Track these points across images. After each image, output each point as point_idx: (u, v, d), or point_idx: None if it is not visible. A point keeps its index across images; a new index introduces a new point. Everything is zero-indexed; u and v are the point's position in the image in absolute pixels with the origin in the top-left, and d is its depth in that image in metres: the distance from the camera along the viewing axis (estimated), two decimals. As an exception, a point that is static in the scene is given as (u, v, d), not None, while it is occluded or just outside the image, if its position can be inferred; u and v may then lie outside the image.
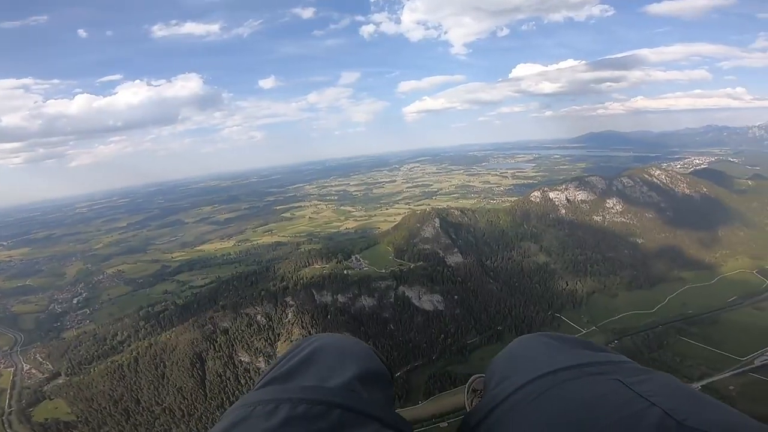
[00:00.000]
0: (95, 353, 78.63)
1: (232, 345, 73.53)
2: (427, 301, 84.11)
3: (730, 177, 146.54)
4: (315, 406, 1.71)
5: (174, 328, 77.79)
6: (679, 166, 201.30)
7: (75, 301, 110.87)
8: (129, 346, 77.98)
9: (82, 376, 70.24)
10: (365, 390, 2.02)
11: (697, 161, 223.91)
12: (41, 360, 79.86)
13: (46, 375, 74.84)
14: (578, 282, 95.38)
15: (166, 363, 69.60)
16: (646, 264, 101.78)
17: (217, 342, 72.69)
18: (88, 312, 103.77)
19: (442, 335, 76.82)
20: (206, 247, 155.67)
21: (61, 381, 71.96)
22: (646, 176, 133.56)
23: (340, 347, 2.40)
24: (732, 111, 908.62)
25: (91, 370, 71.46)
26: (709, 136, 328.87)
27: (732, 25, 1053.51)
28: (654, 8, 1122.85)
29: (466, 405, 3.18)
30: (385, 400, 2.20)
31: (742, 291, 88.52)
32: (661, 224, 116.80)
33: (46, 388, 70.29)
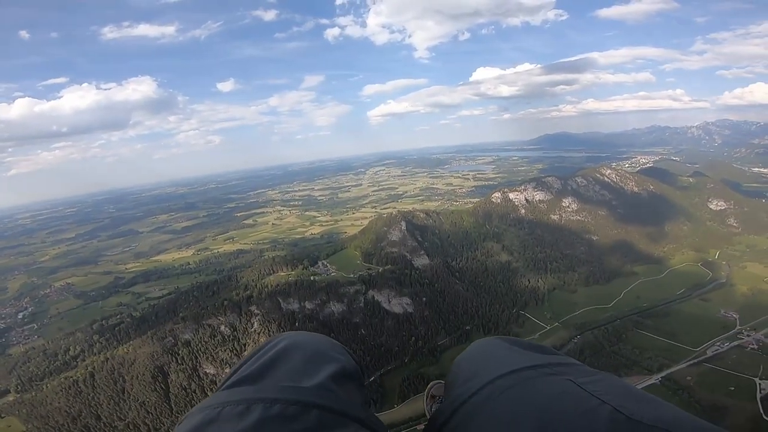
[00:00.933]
0: (46, 369, 74.04)
1: (196, 357, 70.91)
2: (397, 304, 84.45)
3: (673, 175, 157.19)
4: (290, 406, 1.63)
5: (131, 342, 74.05)
6: (627, 165, 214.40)
7: (20, 316, 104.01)
8: (83, 361, 73.71)
9: (34, 393, 65.86)
10: (341, 389, 1.98)
11: (644, 160, 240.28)
12: (-14, 377, 74.12)
13: (-7, 392, 69.89)
14: (539, 279, 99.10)
15: (126, 377, 66.28)
16: (601, 260, 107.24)
17: (179, 354, 69.90)
18: (36, 327, 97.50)
19: (413, 338, 77.36)
20: (163, 257, 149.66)
21: (11, 398, 67.48)
22: (598, 176, 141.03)
23: (311, 345, 2.36)
24: (673, 112, 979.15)
25: (44, 386, 66.97)
26: (653, 136, 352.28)
27: (673, 29, 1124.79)
28: (604, 12, 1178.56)
29: (426, 411, 3.30)
30: (361, 398, 2.21)
31: (689, 283, 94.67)
32: (614, 221, 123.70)
33: (-5, 405, 65.42)
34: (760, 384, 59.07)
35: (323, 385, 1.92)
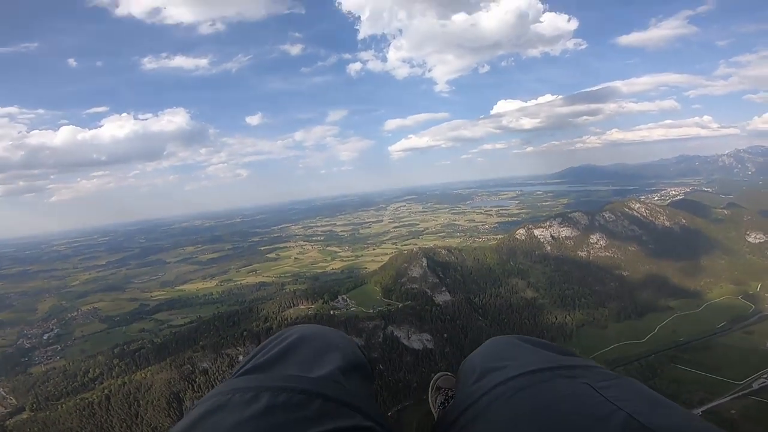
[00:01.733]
0: (64, 389, 74.40)
1: (212, 385, 70.08)
2: (416, 340, 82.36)
3: (706, 207, 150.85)
4: (296, 395, 1.67)
5: (150, 367, 74.32)
6: (656, 198, 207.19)
7: (45, 337, 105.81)
8: (101, 383, 73.94)
9: (48, 412, 65.86)
10: (347, 381, 1.99)
11: (674, 192, 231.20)
12: (5, 394, 75.62)
13: (8, 410, 71.10)
14: (567, 315, 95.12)
15: (141, 402, 66.09)
16: (632, 295, 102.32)
17: (195, 382, 69.70)
18: (59, 348, 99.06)
19: (433, 374, 74.45)
20: (187, 286, 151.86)
21: (25, 416, 67.76)
22: (627, 210, 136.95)
23: (322, 338, 2.36)
24: (701, 140, 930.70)
25: (59, 406, 66.92)
26: (682, 166, 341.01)
27: (694, 54, 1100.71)
28: (623, 39, 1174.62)
29: (431, 403, 3.20)
30: (367, 392, 2.17)
31: (730, 316, 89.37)
32: (645, 256, 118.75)
33: (8, 422, 65.99)
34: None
35: (330, 376, 1.95)
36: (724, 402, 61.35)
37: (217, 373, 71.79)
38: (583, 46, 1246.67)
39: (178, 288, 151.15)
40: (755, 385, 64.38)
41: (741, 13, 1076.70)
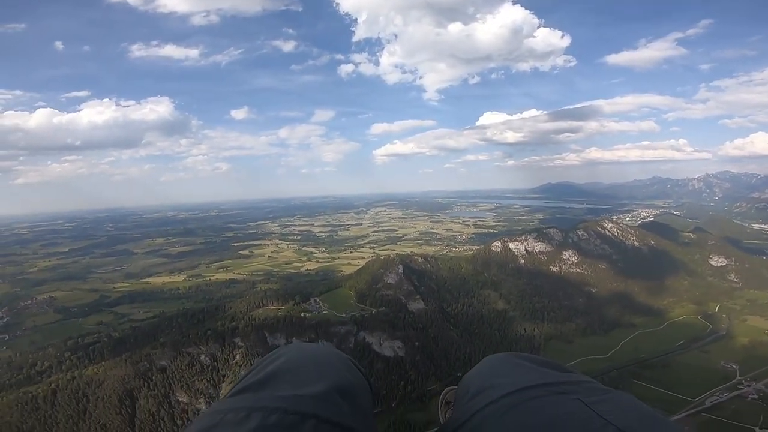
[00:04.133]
0: (7, 382, 70.00)
1: (170, 384, 68.05)
2: (388, 347, 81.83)
3: (674, 230, 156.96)
4: (288, 416, 1.62)
5: (103, 363, 71.08)
6: (628, 218, 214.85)
7: None
8: (49, 377, 70.06)
9: None
10: (344, 401, 1.92)
11: (644, 214, 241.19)
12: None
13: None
14: (536, 328, 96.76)
15: (90, 398, 63.16)
16: (599, 311, 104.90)
17: (152, 380, 67.12)
18: (7, 338, 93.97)
19: (402, 382, 74.25)
20: (153, 280, 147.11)
21: None
22: (600, 229, 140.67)
23: (316, 357, 2.29)
24: (675, 163, 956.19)
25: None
26: (654, 189, 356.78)
27: (678, 77, 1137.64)
28: (612, 58, 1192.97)
29: (440, 416, 3.15)
30: (363, 412, 2.09)
31: (689, 335, 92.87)
32: (613, 274, 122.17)
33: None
34: (759, 433, 57.21)
35: (324, 395, 1.88)
36: (678, 418, 62.89)
37: (175, 372, 69.39)
38: (572, 63, 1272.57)
39: (143, 281, 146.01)
40: (707, 403, 66.99)
41: (726, 38, 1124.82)
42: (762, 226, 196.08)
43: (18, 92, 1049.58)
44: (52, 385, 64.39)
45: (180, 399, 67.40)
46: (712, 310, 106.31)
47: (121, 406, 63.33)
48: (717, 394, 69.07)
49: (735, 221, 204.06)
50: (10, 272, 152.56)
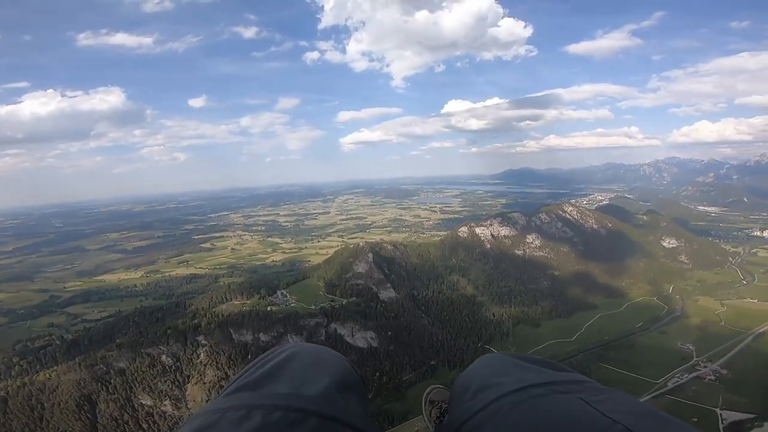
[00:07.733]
0: None
1: (131, 387, 64.94)
2: (361, 338, 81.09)
3: (628, 212, 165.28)
4: (291, 414, 1.64)
5: (56, 367, 66.96)
6: (585, 202, 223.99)
7: None
8: None
9: None
10: (342, 399, 1.98)
11: (600, 197, 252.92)
12: None
13: None
14: (504, 313, 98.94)
15: (45, 404, 59.75)
16: (563, 294, 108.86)
17: (111, 383, 63.85)
18: None
19: (378, 373, 73.69)
20: (108, 277, 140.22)
21: None
22: (561, 212, 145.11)
23: (313, 355, 2.32)
24: (627, 149, 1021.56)
25: None
26: (609, 173, 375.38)
27: (633, 67, 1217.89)
28: (572, 48, 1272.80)
29: (425, 417, 3.16)
30: (364, 410, 2.12)
31: (647, 316, 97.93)
32: (575, 257, 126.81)
33: None
34: (721, 414, 61.01)
35: (324, 393, 1.91)
36: (644, 401, 66.12)
37: (135, 374, 66.19)
38: (534, 53, 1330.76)
39: (97, 278, 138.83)
40: (670, 384, 70.28)
41: (677, 30, 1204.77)
42: (707, 208, 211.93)
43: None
44: (2, 393, 60.43)
45: (143, 402, 64.68)
46: (666, 291, 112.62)
47: (79, 411, 60.22)
48: (677, 375, 72.55)
49: (683, 204, 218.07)
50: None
